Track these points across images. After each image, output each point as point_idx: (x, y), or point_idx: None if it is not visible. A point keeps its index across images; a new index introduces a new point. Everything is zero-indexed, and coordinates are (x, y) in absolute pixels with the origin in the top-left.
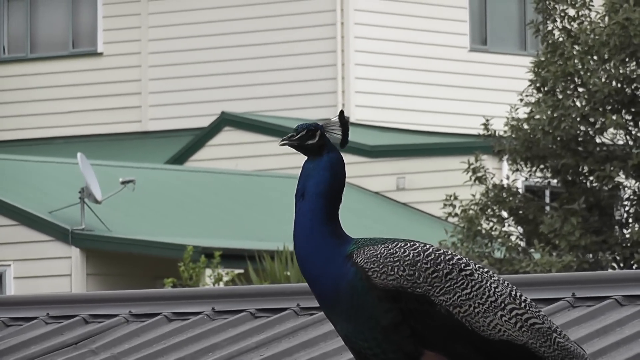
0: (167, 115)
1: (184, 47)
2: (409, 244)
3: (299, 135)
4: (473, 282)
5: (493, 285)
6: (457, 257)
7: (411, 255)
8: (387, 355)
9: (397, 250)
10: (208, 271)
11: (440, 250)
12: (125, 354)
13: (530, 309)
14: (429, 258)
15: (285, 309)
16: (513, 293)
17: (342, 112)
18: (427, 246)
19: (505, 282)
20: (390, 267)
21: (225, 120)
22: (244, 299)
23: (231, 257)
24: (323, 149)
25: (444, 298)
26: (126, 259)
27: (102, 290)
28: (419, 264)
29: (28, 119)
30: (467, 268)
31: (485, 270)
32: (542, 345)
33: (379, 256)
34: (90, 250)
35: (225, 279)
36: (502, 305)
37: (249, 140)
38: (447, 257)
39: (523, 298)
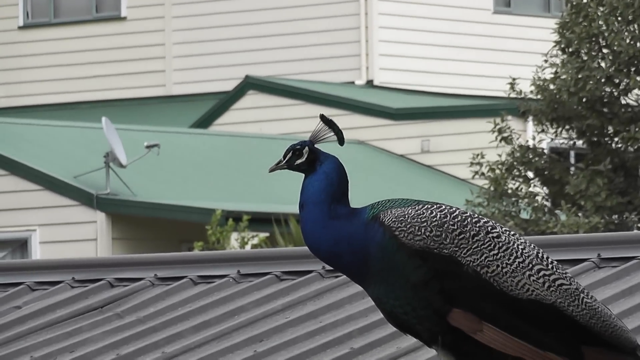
0: (191, 79)
1: (208, 11)
2: (435, 206)
3: (286, 159)
4: (500, 244)
5: (520, 247)
6: (483, 220)
7: (438, 216)
8: (417, 312)
9: (424, 211)
10: (234, 235)
11: (467, 212)
12: (151, 317)
13: (557, 270)
14: (456, 220)
15: (310, 272)
16: (540, 255)
17: (321, 115)
18: (454, 208)
19: (532, 244)
20: (417, 227)
21: (250, 84)
22: (270, 261)
23: (257, 220)
24: (316, 162)
25: (471, 259)
26: (151, 223)
27: (127, 255)
28: (445, 225)
29: (52, 83)
30: (493, 230)
31: (512, 232)
32: (570, 304)
33: (406, 216)
34: (115, 215)
35: (252, 242)
36: (530, 265)
37: (273, 103)
38: (474, 220)
39: (550, 260)
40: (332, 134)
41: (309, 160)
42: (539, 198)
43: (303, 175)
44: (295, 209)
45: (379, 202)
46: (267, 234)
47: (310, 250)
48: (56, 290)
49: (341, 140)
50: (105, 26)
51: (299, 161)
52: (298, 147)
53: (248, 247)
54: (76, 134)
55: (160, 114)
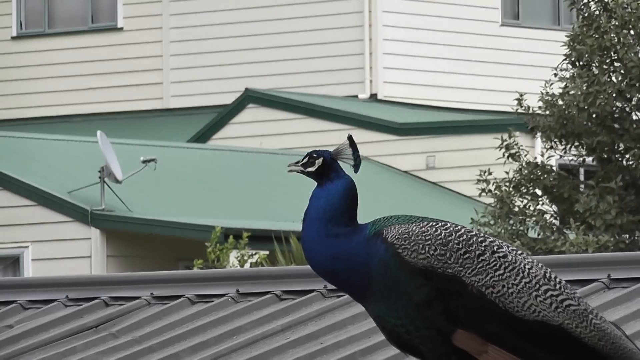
0: (189, 92)
1: (206, 22)
2: (440, 224)
3: (302, 162)
4: (506, 264)
5: (527, 267)
6: (489, 239)
7: (443, 235)
8: (420, 332)
9: (428, 229)
10: (234, 252)
11: (472, 231)
12: (147, 337)
13: (566, 290)
14: (461, 239)
15: (311, 291)
16: (547, 274)
17: (350, 136)
18: (460, 227)
19: (540, 264)
20: (421, 246)
21: (249, 97)
22: (269, 280)
23: (257, 238)
24: (326, 176)
25: (475, 279)
26: (147, 240)
27: (123, 272)
28: (450, 244)
29: (46, 96)
30: (500, 250)
31: (519, 252)
32: (578, 326)
33: (410, 234)
34: (110, 231)
35: (251, 260)
36: (537, 286)
37: (274, 117)
38: (479, 239)
39: (558, 280)
40: (352, 158)
41: (317, 172)
42: (547, 216)
43: (314, 183)
44: (295, 226)
45: (381, 218)
46: (267, 252)
47: (310, 267)
48: (49, 309)
49: (356, 167)
50: (101, 37)
51: (309, 169)
52: (314, 155)
53: (247, 266)
54: (71, 148)
55: (157, 128)
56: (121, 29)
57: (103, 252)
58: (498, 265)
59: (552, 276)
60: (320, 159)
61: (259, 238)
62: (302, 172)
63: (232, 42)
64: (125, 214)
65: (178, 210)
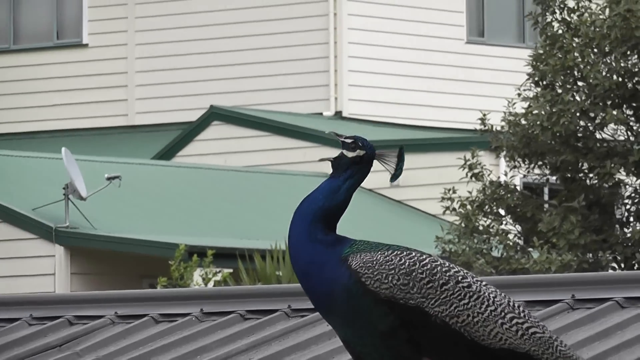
0: (154, 108)
1: (172, 39)
2: (405, 252)
3: (345, 137)
4: (471, 293)
5: (492, 295)
6: (454, 269)
7: (407, 264)
8: None
9: (393, 258)
10: (198, 271)
11: (437, 261)
12: (111, 357)
13: (530, 318)
14: (425, 268)
15: (275, 311)
16: (511, 303)
17: (402, 147)
18: (424, 256)
19: (503, 293)
20: (384, 275)
21: (214, 114)
22: (234, 300)
23: (221, 256)
24: (350, 169)
25: (439, 309)
26: (112, 258)
27: (87, 290)
28: (414, 274)
29: (10, 112)
30: (464, 280)
31: (484, 283)
32: (544, 352)
33: (374, 262)
34: (74, 249)
35: (215, 278)
36: (502, 314)
37: (239, 135)
38: (443, 269)
39: (522, 308)
40: (393, 167)
41: (354, 159)
42: (510, 236)
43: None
44: (260, 244)
45: (359, 241)
46: (231, 270)
47: (290, 260)
48: (13, 328)
49: (394, 178)
50: (66, 53)
51: (346, 152)
52: (360, 144)
53: (211, 284)
54: (35, 164)
55: (122, 145)
56: (86, 45)
57: (67, 270)
58: (463, 294)
59: (516, 305)
60: (363, 152)
61: (223, 256)
62: (333, 160)
63: (198, 59)
64: (89, 231)
65: (143, 227)
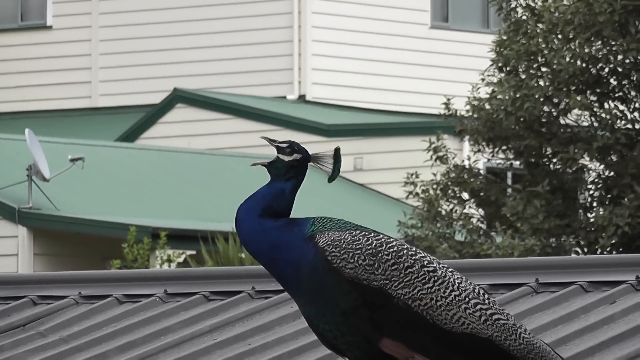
0: (117, 91)
1: (136, 21)
2: (373, 234)
3: (278, 144)
4: (435, 277)
5: (457, 281)
6: (421, 254)
7: (374, 245)
8: (346, 338)
9: (360, 238)
10: (158, 252)
11: (404, 245)
12: (75, 337)
13: (495, 306)
14: (391, 250)
15: (239, 292)
16: (477, 290)
17: (337, 148)
18: (392, 239)
19: (469, 280)
20: (350, 255)
21: (178, 97)
22: (197, 281)
23: (183, 237)
24: (287, 175)
25: (402, 292)
26: (75, 239)
27: (50, 271)
28: (380, 255)
29: None
30: (429, 265)
31: (450, 269)
32: (507, 339)
33: (341, 241)
34: (37, 230)
35: (178, 260)
36: (467, 299)
37: (202, 117)
38: (410, 252)
39: (487, 296)
40: (330, 168)
41: (289, 164)
42: (474, 220)
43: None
44: (223, 226)
45: (321, 218)
46: (193, 252)
47: (252, 256)
48: None
49: (331, 179)
50: (30, 35)
51: (281, 155)
52: (296, 148)
53: (173, 266)
54: None
55: (86, 127)
56: (50, 27)
57: (30, 250)
58: (427, 278)
59: (482, 292)
60: (299, 156)
61: (185, 237)
62: (268, 163)
63: (161, 42)
64: (52, 212)
65: (105, 209)
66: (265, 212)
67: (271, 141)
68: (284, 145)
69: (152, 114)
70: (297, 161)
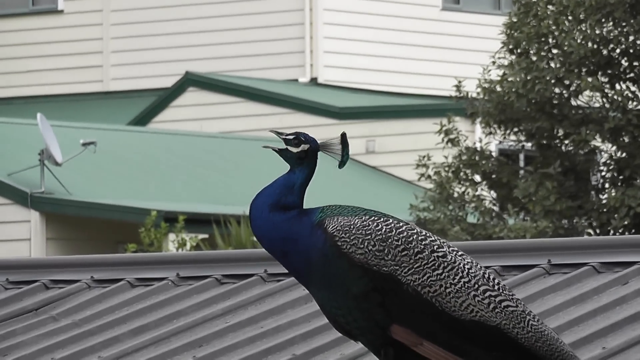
0: (129, 75)
1: (148, 5)
2: (382, 218)
3: (286, 136)
4: (445, 263)
5: (467, 267)
6: (430, 239)
7: (384, 230)
8: (359, 323)
9: (370, 223)
10: (172, 236)
11: (414, 229)
12: (87, 321)
13: (504, 292)
14: (401, 235)
15: (252, 275)
16: (487, 275)
17: (344, 133)
18: (401, 223)
19: (479, 264)
20: (360, 240)
21: (190, 81)
22: (210, 264)
23: (196, 221)
24: (297, 164)
25: (412, 278)
26: (87, 223)
27: (62, 255)
28: (389, 240)
29: None
30: (439, 250)
31: (460, 253)
32: (515, 326)
33: (351, 227)
34: (50, 214)
35: (189, 244)
36: (476, 286)
37: (214, 101)
38: (420, 237)
39: (497, 281)
40: (340, 154)
41: (299, 155)
42: (486, 202)
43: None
44: (235, 209)
45: (330, 206)
46: (205, 236)
47: (263, 247)
48: None
49: (341, 164)
50: (41, 19)
51: (291, 148)
52: (302, 138)
53: (187, 249)
54: (10, 130)
55: (98, 111)
56: (62, 11)
57: (42, 235)
58: (437, 264)
59: (491, 277)
60: (307, 146)
61: (197, 221)
62: (280, 150)
63: (173, 25)
64: (64, 196)
65: (118, 193)
66: (275, 207)
67: (278, 134)
68: (291, 137)
69: (164, 98)
70: (305, 152)
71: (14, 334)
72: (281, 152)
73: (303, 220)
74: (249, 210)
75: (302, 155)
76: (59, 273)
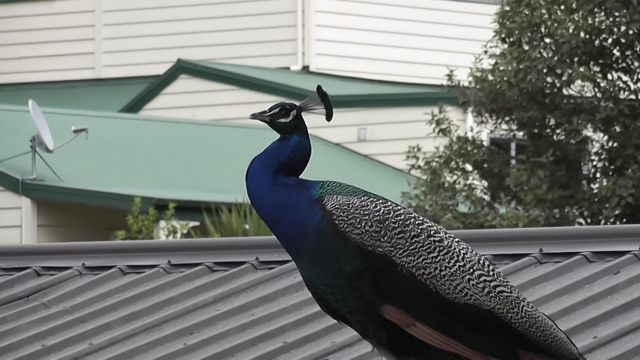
0: (121, 62)
1: None
2: (381, 201)
3: (271, 112)
4: (441, 247)
5: (462, 252)
6: (428, 224)
7: (382, 211)
8: (348, 302)
9: (368, 204)
10: (162, 223)
11: (412, 214)
12: (78, 308)
13: (499, 278)
14: (399, 218)
15: (243, 263)
16: (482, 261)
17: (319, 86)
18: (400, 207)
19: (474, 251)
20: (358, 220)
21: (181, 68)
22: (201, 252)
23: (186, 209)
24: (296, 130)
25: (406, 259)
26: (78, 210)
27: (54, 242)
28: (387, 222)
29: None
30: (436, 234)
31: (457, 239)
32: (509, 311)
33: (350, 206)
34: (41, 201)
35: (180, 232)
36: (471, 270)
37: (206, 88)
38: (417, 221)
39: (492, 267)
40: (322, 107)
41: (293, 123)
42: (477, 191)
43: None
44: (226, 197)
45: (330, 182)
46: (197, 223)
47: (256, 210)
48: None
49: (329, 116)
50: (33, 6)
51: (283, 120)
52: (287, 107)
53: (179, 236)
54: (2, 117)
55: (89, 98)
56: None
57: (34, 222)
58: (432, 248)
59: (487, 263)
60: (295, 111)
61: (188, 209)
62: (271, 123)
63: (165, 13)
64: (56, 183)
65: (109, 180)
66: (284, 166)
67: (262, 114)
68: (277, 110)
69: (156, 85)
70: (296, 117)
71: (5, 321)
72: (273, 124)
73: (302, 192)
74: (250, 164)
75: (297, 122)
76: (50, 260)
